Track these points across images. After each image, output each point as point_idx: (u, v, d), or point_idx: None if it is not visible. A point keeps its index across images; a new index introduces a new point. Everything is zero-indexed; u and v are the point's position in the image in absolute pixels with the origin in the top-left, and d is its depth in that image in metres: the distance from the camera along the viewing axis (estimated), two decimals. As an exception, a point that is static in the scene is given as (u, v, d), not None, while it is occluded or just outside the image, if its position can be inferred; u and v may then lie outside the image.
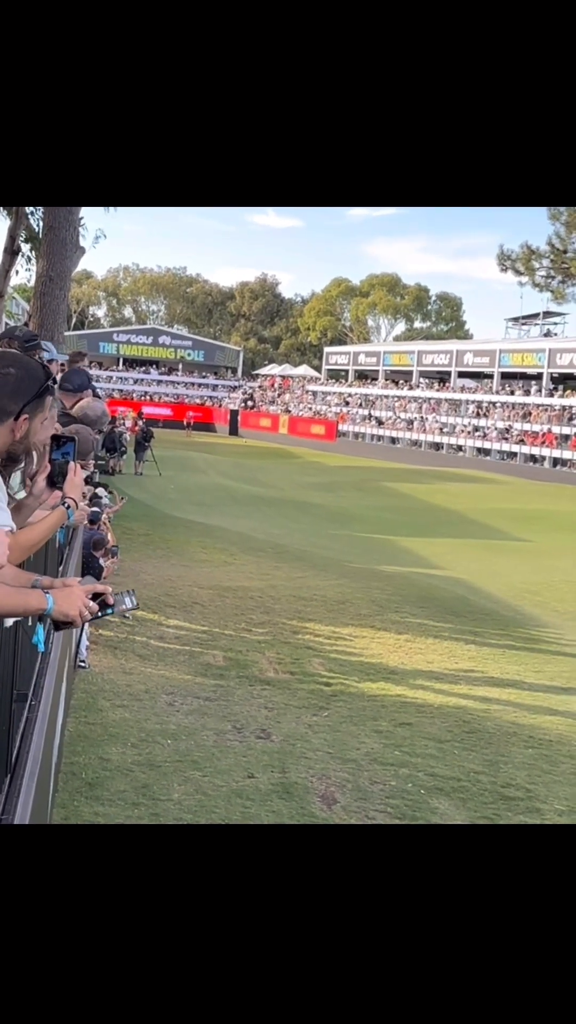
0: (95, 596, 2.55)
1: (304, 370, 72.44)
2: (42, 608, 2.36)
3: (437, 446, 50.61)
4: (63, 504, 2.98)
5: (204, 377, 73.39)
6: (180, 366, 73.47)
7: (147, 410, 53.19)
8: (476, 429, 49.08)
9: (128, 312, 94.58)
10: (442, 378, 57.64)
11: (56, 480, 3.00)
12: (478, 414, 50.16)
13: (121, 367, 71.69)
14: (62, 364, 8.42)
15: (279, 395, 67.42)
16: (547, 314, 52.51)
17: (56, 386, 3.16)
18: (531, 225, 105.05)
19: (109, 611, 2.61)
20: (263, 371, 76.24)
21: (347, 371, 66.42)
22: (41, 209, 17.03)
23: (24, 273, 19.03)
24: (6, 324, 16.51)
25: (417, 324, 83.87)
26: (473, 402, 51.56)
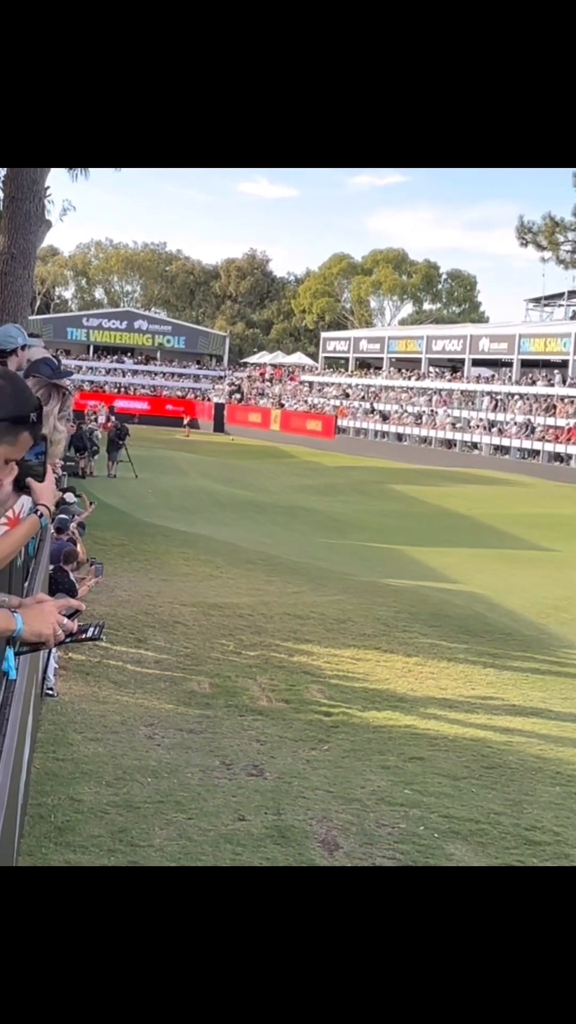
0: (71, 615, 2.56)
1: (298, 358, 72.45)
2: (10, 629, 2.36)
3: (449, 443, 50.65)
4: (34, 511, 2.96)
5: (185, 366, 73.40)
6: (158, 354, 73.45)
7: (121, 404, 53.22)
8: (493, 424, 49.11)
9: (99, 293, 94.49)
10: (454, 367, 57.71)
11: (24, 483, 2.99)
12: (495, 407, 50.22)
13: (92, 356, 71.60)
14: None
15: (270, 386, 67.45)
16: (572, 294, 52.62)
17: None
18: (554, 193, 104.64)
19: (68, 640, 2.62)
20: (252, 359, 76.26)
21: (347, 359, 66.44)
22: (1, 178, 17.02)
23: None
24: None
25: (426, 306, 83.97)
26: (489, 394, 51.61)
